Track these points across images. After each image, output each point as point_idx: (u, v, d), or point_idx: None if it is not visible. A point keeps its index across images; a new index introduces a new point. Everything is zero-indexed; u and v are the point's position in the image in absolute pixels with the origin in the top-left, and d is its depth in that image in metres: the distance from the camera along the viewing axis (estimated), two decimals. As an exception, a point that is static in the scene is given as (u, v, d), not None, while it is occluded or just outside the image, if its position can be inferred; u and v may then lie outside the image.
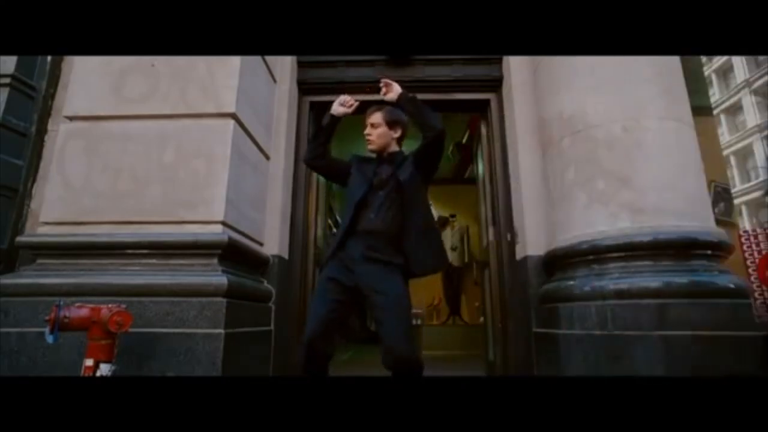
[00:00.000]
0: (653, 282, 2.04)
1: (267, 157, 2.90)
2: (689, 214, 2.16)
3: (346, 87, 2.81)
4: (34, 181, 2.77)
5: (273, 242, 2.82)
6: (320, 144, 1.83)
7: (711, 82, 19.08)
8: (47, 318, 1.61)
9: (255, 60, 2.69)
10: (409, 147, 1.82)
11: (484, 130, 3.39)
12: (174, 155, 2.27)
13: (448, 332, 5.95)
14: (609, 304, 2.07)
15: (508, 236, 2.95)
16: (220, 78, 2.38)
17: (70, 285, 2.04)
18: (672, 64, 2.48)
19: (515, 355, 2.75)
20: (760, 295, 3.36)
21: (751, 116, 18.42)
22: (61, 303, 1.64)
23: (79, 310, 1.65)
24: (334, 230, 5.14)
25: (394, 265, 1.64)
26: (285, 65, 3.16)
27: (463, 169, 6.69)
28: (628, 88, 2.35)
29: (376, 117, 1.81)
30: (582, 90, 2.46)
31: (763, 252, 3.51)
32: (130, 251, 2.16)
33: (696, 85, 3.50)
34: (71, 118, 2.38)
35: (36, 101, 2.83)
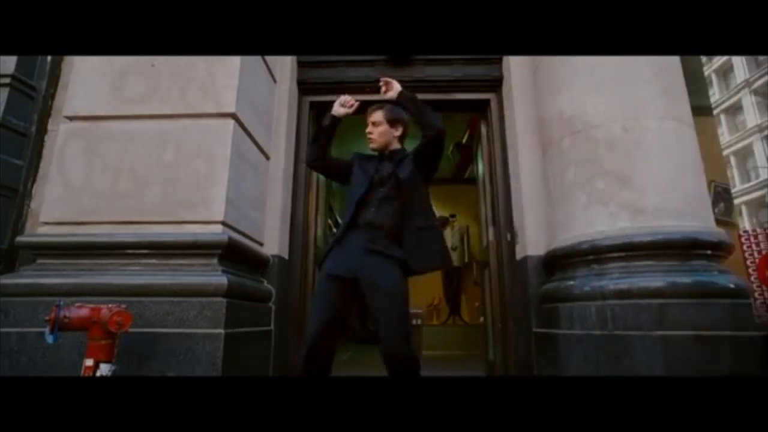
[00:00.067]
0: (653, 282, 2.03)
1: (267, 157, 2.90)
2: (689, 214, 2.16)
3: (346, 87, 2.80)
4: (34, 181, 2.77)
5: (273, 242, 2.82)
6: (321, 146, 1.84)
7: (711, 82, 19.08)
8: (47, 318, 1.61)
9: (255, 60, 2.69)
10: (411, 146, 1.83)
11: (484, 130, 3.39)
12: (174, 155, 2.27)
13: (448, 332, 5.94)
14: (609, 304, 2.07)
15: (508, 236, 2.95)
16: (220, 78, 2.38)
17: (70, 285, 2.05)
18: (672, 64, 2.48)
19: (515, 355, 2.74)
20: (760, 295, 3.36)
21: (751, 116, 18.42)
22: (61, 303, 1.64)
23: (79, 310, 1.66)
24: (334, 230, 5.14)
25: (394, 259, 1.64)
26: (285, 65, 3.16)
27: (463, 169, 6.69)
28: (628, 88, 2.35)
29: (378, 115, 1.82)
30: (582, 90, 2.46)
31: (763, 252, 3.52)
32: (130, 251, 2.16)
33: (696, 85, 3.50)
34: (71, 118, 2.38)
35: (36, 101, 2.83)
